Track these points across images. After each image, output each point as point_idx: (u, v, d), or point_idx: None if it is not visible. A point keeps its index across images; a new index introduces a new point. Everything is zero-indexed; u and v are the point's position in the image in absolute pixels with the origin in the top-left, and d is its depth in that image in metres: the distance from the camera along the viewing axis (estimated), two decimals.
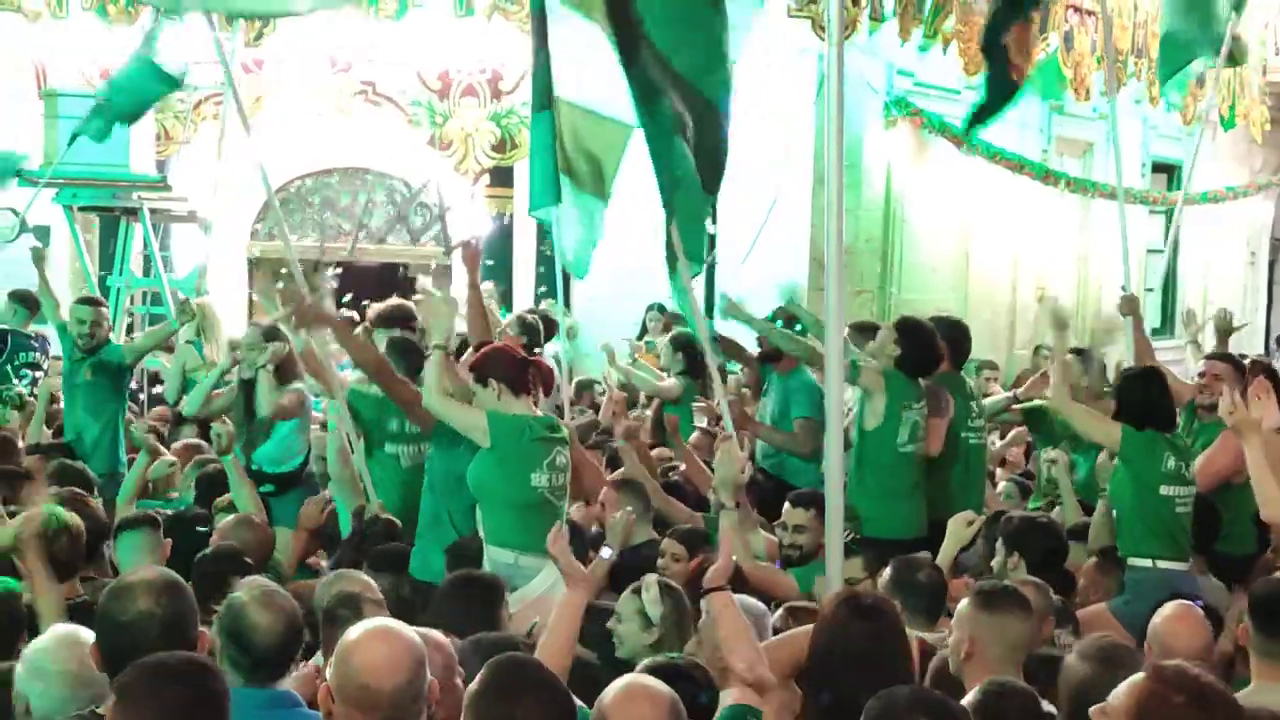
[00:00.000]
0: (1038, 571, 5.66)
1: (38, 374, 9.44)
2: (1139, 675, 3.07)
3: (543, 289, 12.46)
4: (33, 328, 9.89)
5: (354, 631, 3.28)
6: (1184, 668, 3.05)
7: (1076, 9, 14.59)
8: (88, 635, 3.52)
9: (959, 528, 5.77)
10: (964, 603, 4.30)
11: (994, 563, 5.92)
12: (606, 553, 4.93)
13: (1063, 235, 16.59)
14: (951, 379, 7.53)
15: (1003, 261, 15.68)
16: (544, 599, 5.16)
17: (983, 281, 15.31)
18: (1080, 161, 16.94)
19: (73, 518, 4.86)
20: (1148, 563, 6.28)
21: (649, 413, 8.97)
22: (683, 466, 7.58)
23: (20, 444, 7.77)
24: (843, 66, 5.10)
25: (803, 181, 12.54)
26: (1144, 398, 6.57)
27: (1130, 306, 8.57)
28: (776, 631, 4.80)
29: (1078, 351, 8.34)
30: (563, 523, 5.01)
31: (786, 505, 6.46)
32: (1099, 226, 16.32)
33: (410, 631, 3.31)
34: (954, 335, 7.68)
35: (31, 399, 8.56)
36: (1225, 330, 9.19)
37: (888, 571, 5.21)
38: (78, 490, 5.92)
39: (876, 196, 13.65)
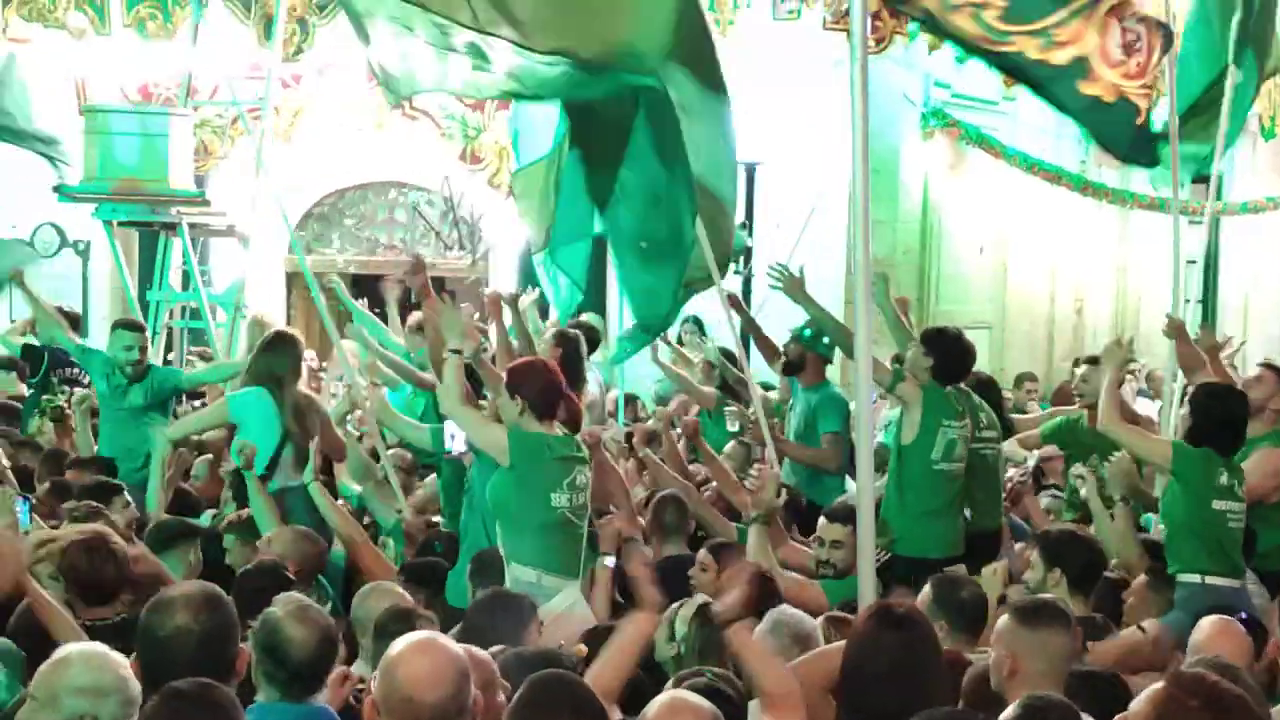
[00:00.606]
0: (1078, 586, 5.62)
1: (73, 390, 9.48)
2: (1159, 682, 3.08)
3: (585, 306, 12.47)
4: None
5: (398, 645, 3.30)
6: (1202, 674, 3.06)
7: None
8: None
9: (989, 580, 5.72)
10: (1004, 618, 4.27)
11: (1029, 577, 5.84)
12: (609, 561, 4.91)
13: (1101, 246, 16.51)
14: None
15: (1041, 273, 15.61)
16: (564, 616, 5.16)
17: (1021, 293, 15.25)
18: (1119, 172, 16.83)
19: (103, 539, 4.90)
20: (1197, 579, 6.21)
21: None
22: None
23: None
24: (867, 82, 5.11)
25: (840, 194, 12.50)
26: (1226, 417, 6.49)
27: (1176, 330, 8.43)
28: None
29: (1094, 361, 8.24)
30: (643, 551, 4.93)
31: (822, 520, 6.44)
32: (1138, 237, 16.23)
33: (454, 645, 3.33)
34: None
35: (70, 412, 8.59)
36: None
37: (927, 590, 5.17)
38: (95, 504, 5.95)
39: (914, 208, 13.62)
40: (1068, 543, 5.90)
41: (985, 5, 4.89)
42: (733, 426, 9.03)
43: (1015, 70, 6.24)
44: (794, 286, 7.47)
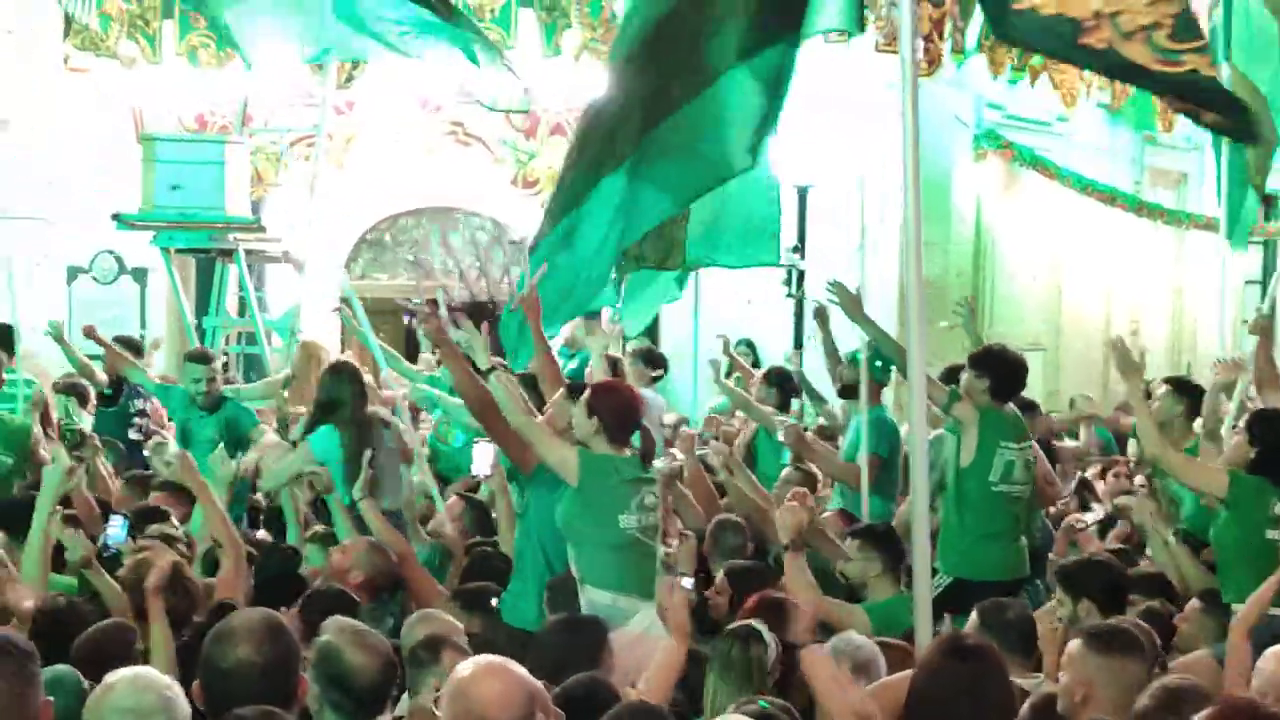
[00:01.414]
0: (1109, 609, 5.53)
1: (141, 420, 9.55)
2: (1210, 708, 3.05)
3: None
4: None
5: (466, 668, 3.36)
6: (1254, 701, 3.02)
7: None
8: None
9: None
10: (1075, 644, 4.21)
11: (1061, 614, 5.62)
12: (688, 582, 4.92)
13: (1157, 268, 16.39)
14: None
15: (1096, 295, 15.50)
16: (643, 638, 5.14)
17: (1076, 315, 15.15)
18: (1174, 193, 16.73)
19: (178, 571, 5.00)
20: None
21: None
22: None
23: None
24: (918, 104, 5.09)
25: (892, 215, 12.47)
26: None
27: (1259, 327, 8.31)
28: None
29: (1174, 383, 8.14)
30: (678, 580, 4.94)
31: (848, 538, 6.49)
32: (1194, 258, 16.10)
33: (521, 668, 3.36)
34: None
35: (93, 436, 8.60)
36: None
37: (974, 615, 5.13)
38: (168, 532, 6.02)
39: (967, 230, 13.57)
40: (1085, 570, 5.82)
41: (1157, 25, 4.80)
42: (784, 439, 9.02)
43: (1184, 90, 6.03)
44: (852, 305, 7.30)
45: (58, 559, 5.84)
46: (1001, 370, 7.07)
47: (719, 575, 6.15)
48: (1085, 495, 9.24)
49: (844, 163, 12.39)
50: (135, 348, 9.99)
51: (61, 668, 4.28)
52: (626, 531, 5.72)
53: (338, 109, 12.60)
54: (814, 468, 8.24)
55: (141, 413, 9.70)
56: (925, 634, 4.74)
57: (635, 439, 5.88)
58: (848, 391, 8.35)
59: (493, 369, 5.94)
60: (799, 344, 11.80)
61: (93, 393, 9.93)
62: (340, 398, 7.25)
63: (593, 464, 5.75)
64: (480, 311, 13.53)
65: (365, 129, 13.24)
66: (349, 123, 13.12)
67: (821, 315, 8.73)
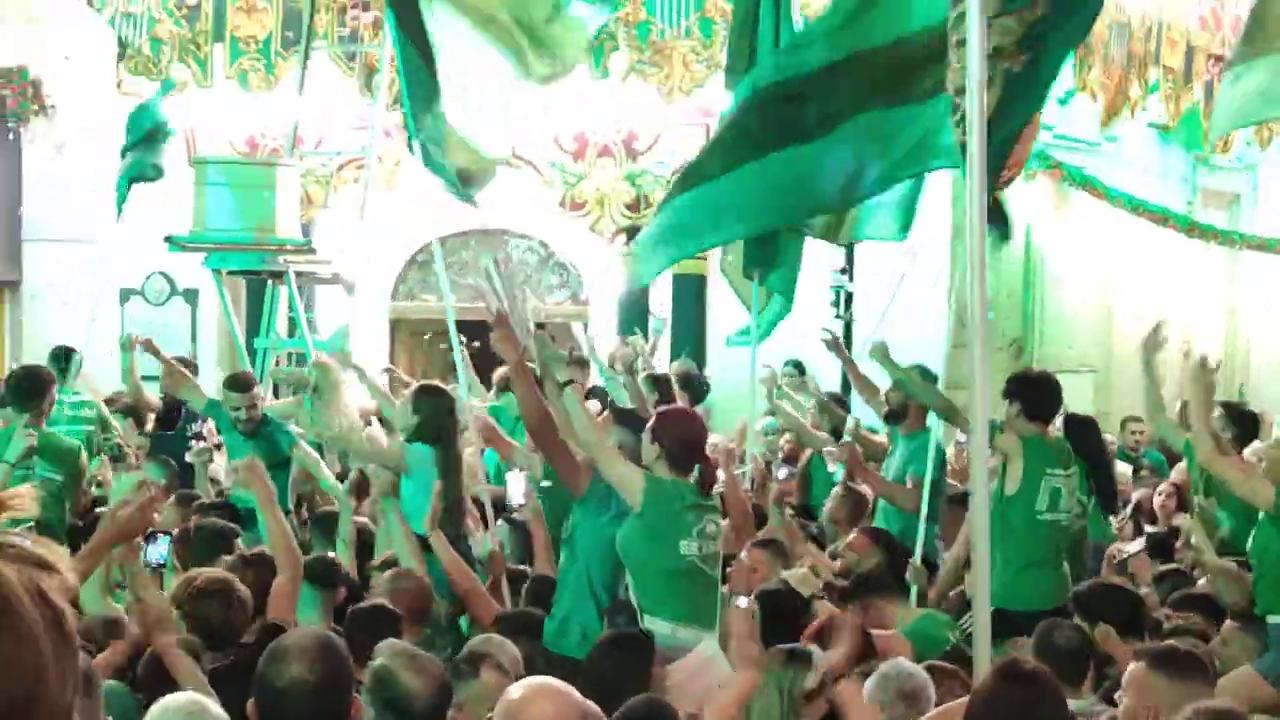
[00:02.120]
0: (1127, 636, 5.48)
1: (199, 443, 9.58)
2: None
3: (686, 351, 12.48)
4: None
5: (517, 690, 3.38)
6: None
7: (1218, 59, 14.33)
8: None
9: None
10: (1138, 666, 4.16)
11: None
12: (743, 601, 4.90)
13: (1210, 288, 16.24)
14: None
15: (1147, 316, 15.36)
16: (709, 663, 5.10)
17: (1126, 336, 15.00)
18: (1226, 213, 16.59)
19: (228, 585, 4.99)
20: None
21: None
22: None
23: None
24: (985, 117, 4.99)
25: (940, 233, 12.44)
26: None
27: None
28: None
29: (1228, 408, 8.10)
30: (752, 609, 4.89)
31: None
32: (1247, 279, 15.95)
33: (573, 690, 3.39)
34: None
35: (128, 449, 8.62)
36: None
37: (1028, 639, 5.06)
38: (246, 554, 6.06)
39: (1016, 250, 13.48)
40: (1099, 596, 5.82)
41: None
42: (832, 467, 8.99)
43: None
44: (881, 353, 7.98)
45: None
46: (1029, 391, 7.04)
47: (751, 549, 6.14)
48: (1139, 519, 9.17)
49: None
50: (191, 367, 10.05)
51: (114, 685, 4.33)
52: (687, 558, 5.68)
53: (387, 132, 12.67)
54: (865, 488, 8.20)
55: (198, 435, 9.75)
56: (984, 663, 4.70)
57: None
58: (894, 416, 8.29)
59: (569, 382, 5.94)
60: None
61: (150, 416, 10.01)
62: (440, 422, 7.10)
63: (657, 488, 5.71)
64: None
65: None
66: (398, 145, 13.18)
67: (835, 342, 9.12)
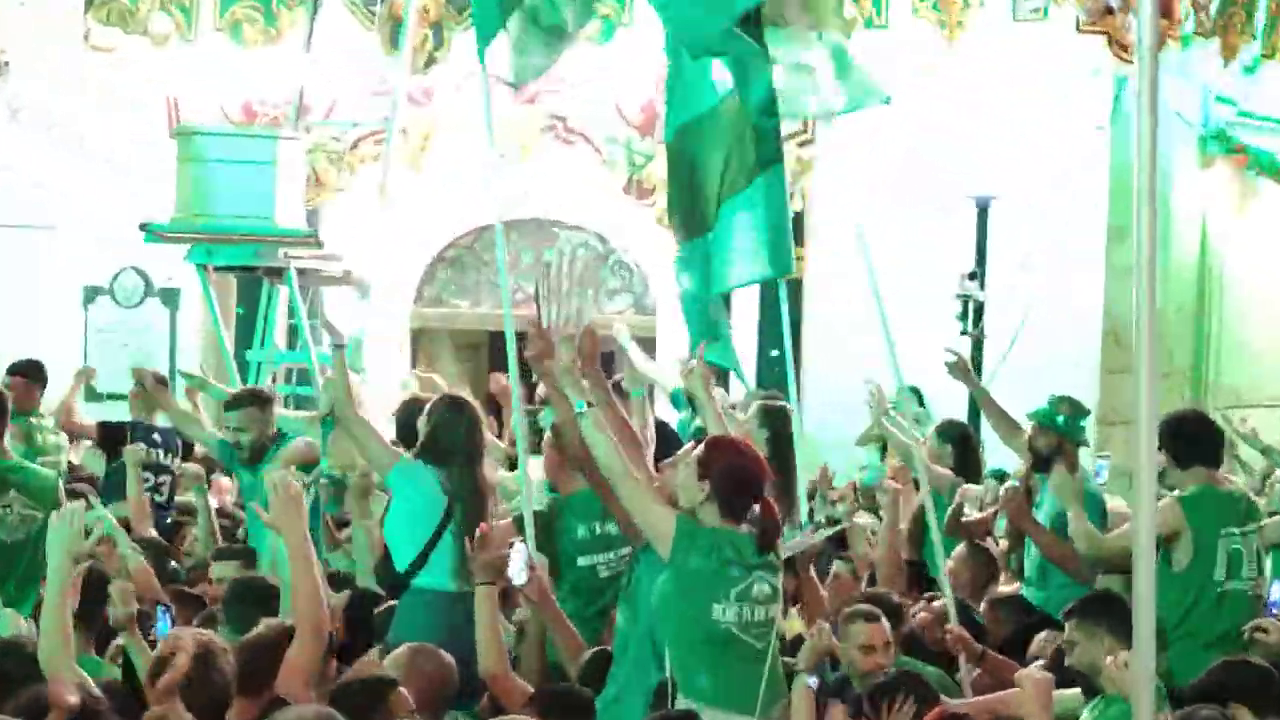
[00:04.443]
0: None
1: (161, 479, 9.49)
2: None
3: (774, 353, 12.41)
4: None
5: None
6: None
7: None
8: None
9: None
10: None
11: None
12: (812, 681, 4.86)
13: None
14: None
15: None
16: None
17: None
18: None
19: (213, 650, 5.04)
20: None
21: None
22: None
23: None
24: (1156, 93, 4.95)
25: (1094, 234, 12.34)
26: None
27: None
28: None
29: None
30: (808, 686, 4.87)
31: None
32: None
33: None
34: None
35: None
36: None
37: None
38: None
39: (1188, 255, 13.41)
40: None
41: None
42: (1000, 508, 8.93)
43: None
44: (960, 369, 8.49)
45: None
46: (1174, 436, 6.98)
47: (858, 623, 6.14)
48: None
49: (1034, 167, 12.31)
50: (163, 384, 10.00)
51: None
52: (720, 625, 5.63)
53: (413, 98, 12.70)
54: (992, 547, 8.13)
55: (155, 467, 9.61)
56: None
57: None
58: (1043, 464, 8.14)
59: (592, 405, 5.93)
60: None
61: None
62: (449, 442, 7.06)
63: (690, 536, 5.66)
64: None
65: (446, 123, 13.29)
66: (427, 116, 13.20)
67: (962, 365, 9.06)
